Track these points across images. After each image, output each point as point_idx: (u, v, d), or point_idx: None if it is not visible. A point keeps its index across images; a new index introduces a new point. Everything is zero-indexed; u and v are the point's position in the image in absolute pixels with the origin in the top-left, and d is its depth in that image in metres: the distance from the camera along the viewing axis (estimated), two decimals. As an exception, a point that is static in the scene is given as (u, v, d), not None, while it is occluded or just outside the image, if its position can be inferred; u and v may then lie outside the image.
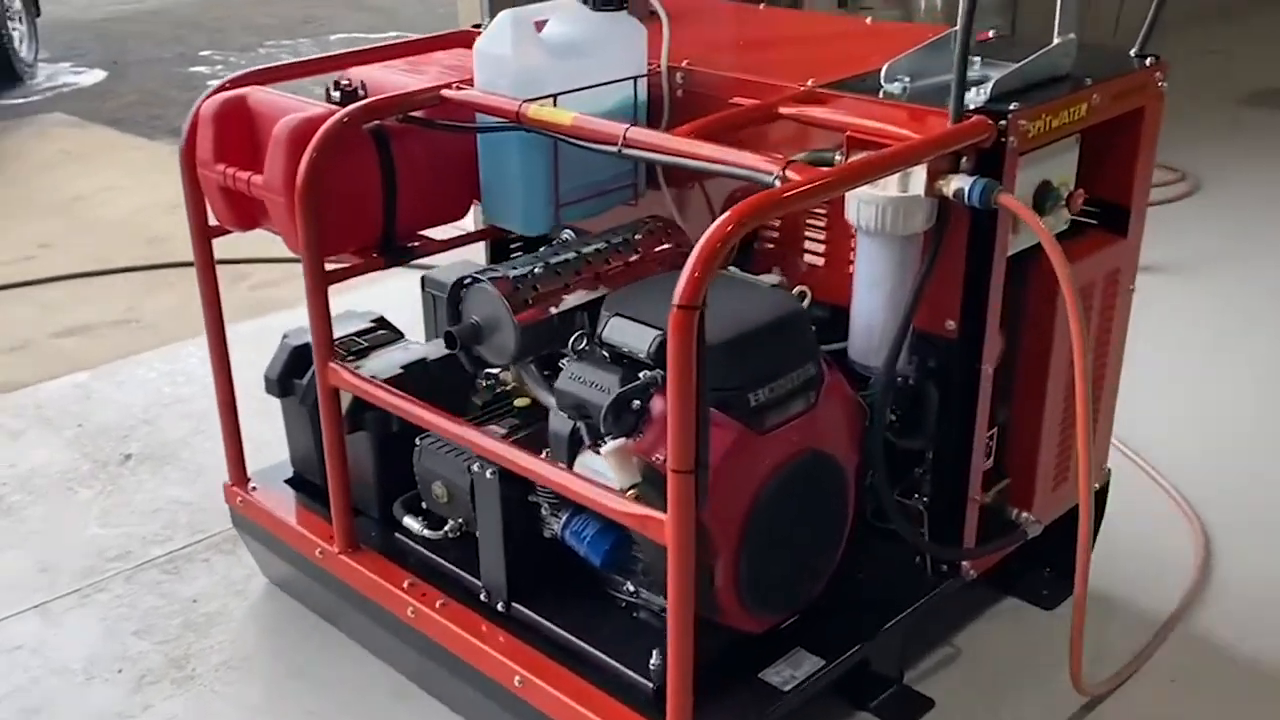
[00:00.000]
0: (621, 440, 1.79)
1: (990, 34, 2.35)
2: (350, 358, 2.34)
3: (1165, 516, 2.80)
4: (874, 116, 1.96)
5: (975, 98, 1.94)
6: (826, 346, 2.04)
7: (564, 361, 1.92)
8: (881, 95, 2.03)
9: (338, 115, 2.03)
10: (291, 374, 2.39)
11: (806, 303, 2.02)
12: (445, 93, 2.13)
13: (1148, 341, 3.51)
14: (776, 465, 1.86)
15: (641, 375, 1.82)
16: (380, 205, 2.15)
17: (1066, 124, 1.99)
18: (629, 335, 1.86)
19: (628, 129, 1.89)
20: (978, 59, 2.15)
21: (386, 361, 2.32)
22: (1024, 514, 2.22)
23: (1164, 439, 3.05)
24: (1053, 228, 2.11)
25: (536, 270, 2.01)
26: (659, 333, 1.82)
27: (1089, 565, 1.93)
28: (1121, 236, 2.24)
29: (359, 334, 2.43)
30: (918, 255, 1.95)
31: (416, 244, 2.25)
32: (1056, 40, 2.05)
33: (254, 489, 2.51)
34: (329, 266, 2.11)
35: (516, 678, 1.98)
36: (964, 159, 1.90)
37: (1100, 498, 2.48)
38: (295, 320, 2.33)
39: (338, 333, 2.42)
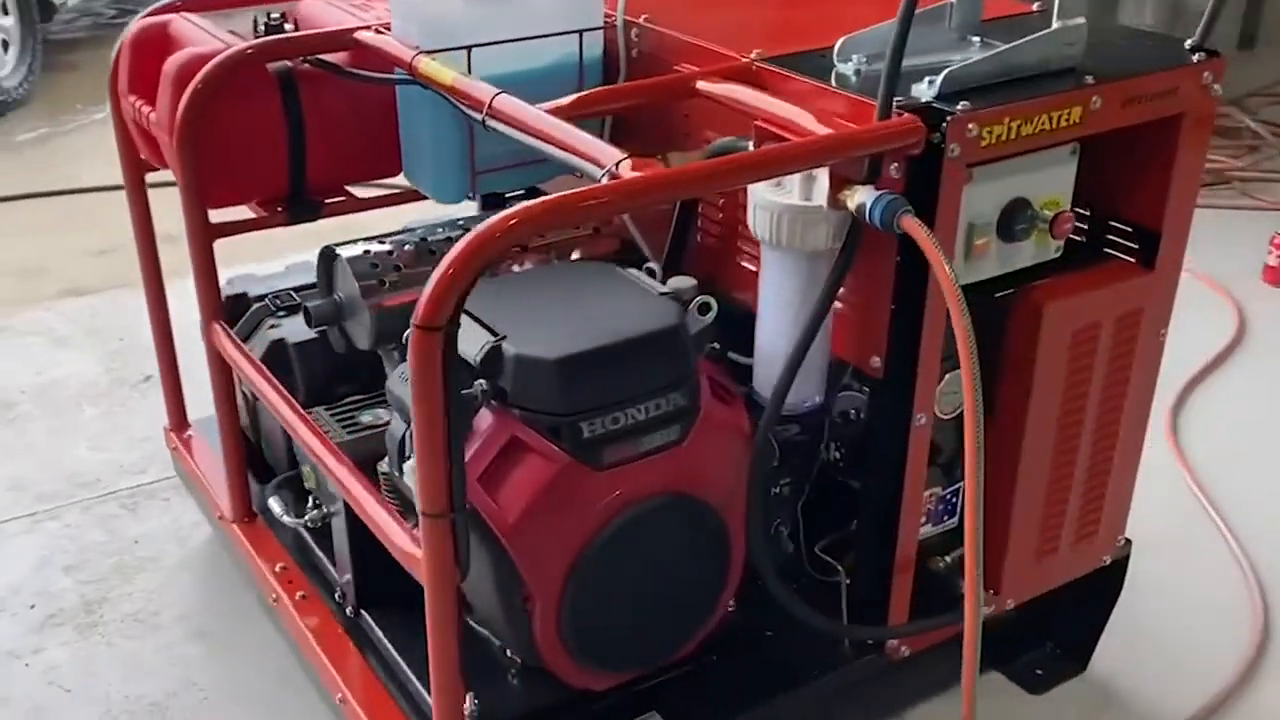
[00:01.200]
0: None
1: (1035, 6, 1.95)
2: (281, 314, 2.18)
3: (1222, 591, 2.36)
4: (800, 103, 1.62)
5: (926, 91, 1.57)
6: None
7: (408, 355, 1.69)
8: (833, 78, 1.68)
9: (229, 52, 1.84)
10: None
11: (711, 315, 1.71)
12: (360, 35, 1.91)
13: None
14: (618, 508, 1.58)
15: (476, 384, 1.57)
16: (284, 155, 1.95)
17: (1048, 131, 1.60)
18: (466, 336, 1.60)
19: (496, 95, 1.62)
20: (977, 39, 1.77)
21: (309, 322, 2.14)
22: (975, 590, 1.86)
23: (1250, 496, 2.59)
24: (1034, 256, 1.73)
25: (407, 247, 1.78)
26: (493, 341, 1.56)
27: (974, 685, 1.57)
28: (1147, 270, 1.82)
29: (300, 288, 2.25)
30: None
31: (340, 200, 2.06)
32: (1056, 24, 1.65)
33: (189, 437, 2.40)
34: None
35: (339, 695, 1.79)
36: (893, 166, 1.55)
37: (1115, 574, 2.08)
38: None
39: (283, 285, 2.27)
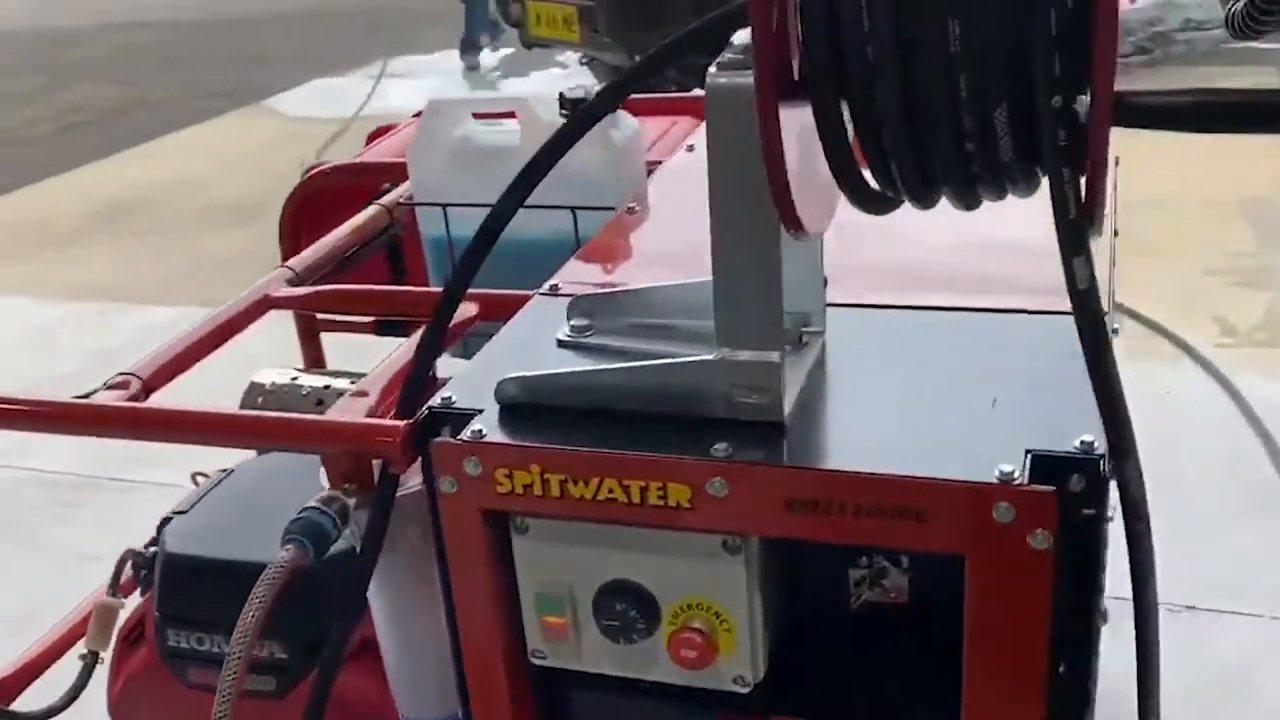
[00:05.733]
0: (109, 598, 1.58)
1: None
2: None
3: None
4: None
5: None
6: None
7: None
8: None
9: (312, 170, 1.97)
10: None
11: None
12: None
13: None
14: (198, 730, 1.44)
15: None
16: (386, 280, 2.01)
17: (641, 507, 1.05)
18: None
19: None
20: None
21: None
22: None
23: None
24: (691, 677, 1.13)
25: (298, 381, 1.74)
26: (170, 512, 1.52)
27: None
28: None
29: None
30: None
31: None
32: (715, 354, 1.05)
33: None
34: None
35: None
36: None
37: None
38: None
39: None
